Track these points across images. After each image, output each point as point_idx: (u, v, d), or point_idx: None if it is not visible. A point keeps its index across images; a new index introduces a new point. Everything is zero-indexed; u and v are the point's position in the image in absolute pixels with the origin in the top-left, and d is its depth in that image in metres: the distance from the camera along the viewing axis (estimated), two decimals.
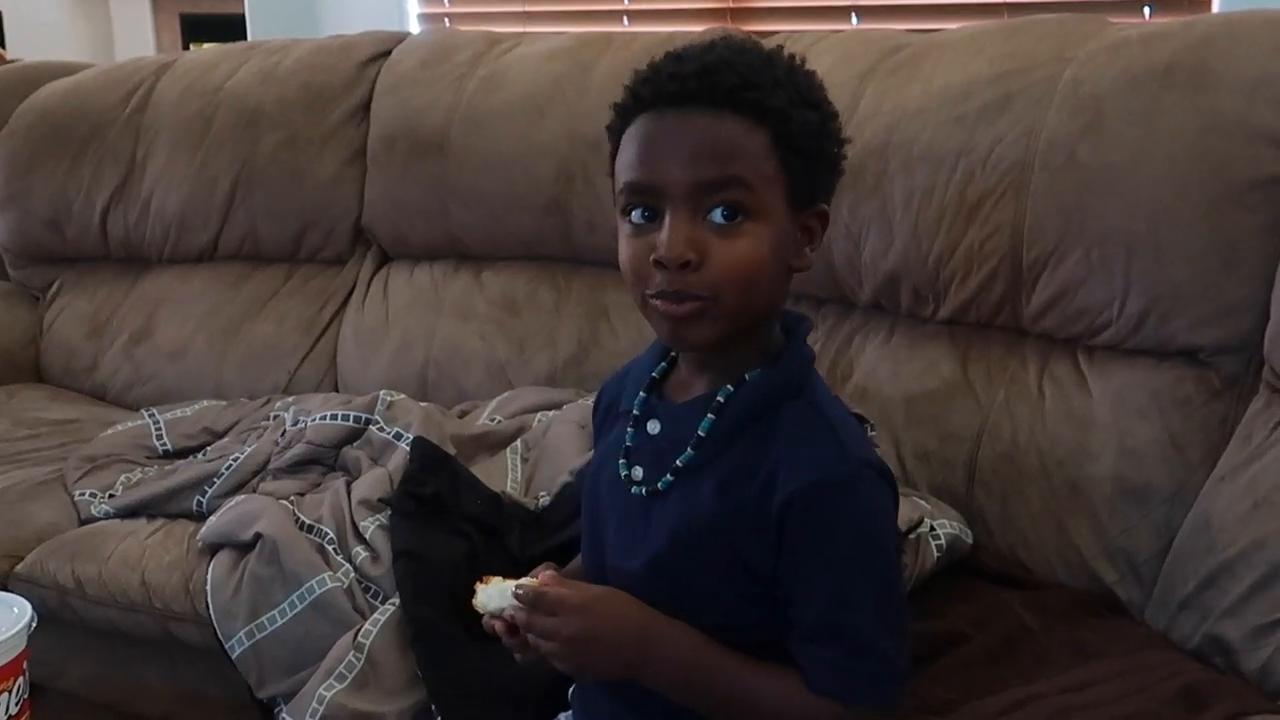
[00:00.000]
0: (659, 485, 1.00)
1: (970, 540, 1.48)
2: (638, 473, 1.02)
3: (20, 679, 0.97)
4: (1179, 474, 1.42)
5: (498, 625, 0.98)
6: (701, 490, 0.98)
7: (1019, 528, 1.51)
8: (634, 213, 0.96)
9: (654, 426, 1.02)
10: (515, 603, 0.95)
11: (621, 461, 1.03)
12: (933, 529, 1.43)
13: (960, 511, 1.52)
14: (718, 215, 0.93)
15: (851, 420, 1.01)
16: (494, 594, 0.97)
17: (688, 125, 0.93)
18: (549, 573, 1.01)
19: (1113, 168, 1.48)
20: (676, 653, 0.96)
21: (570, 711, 1.14)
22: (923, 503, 1.49)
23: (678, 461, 0.99)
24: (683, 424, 1.00)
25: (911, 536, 1.40)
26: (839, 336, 1.76)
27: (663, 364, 1.05)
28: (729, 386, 0.98)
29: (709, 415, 0.98)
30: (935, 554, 1.41)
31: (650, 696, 1.00)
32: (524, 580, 0.97)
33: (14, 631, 0.96)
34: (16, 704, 0.96)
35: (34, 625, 0.99)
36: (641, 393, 1.04)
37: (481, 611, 0.98)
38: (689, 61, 0.95)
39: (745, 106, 0.93)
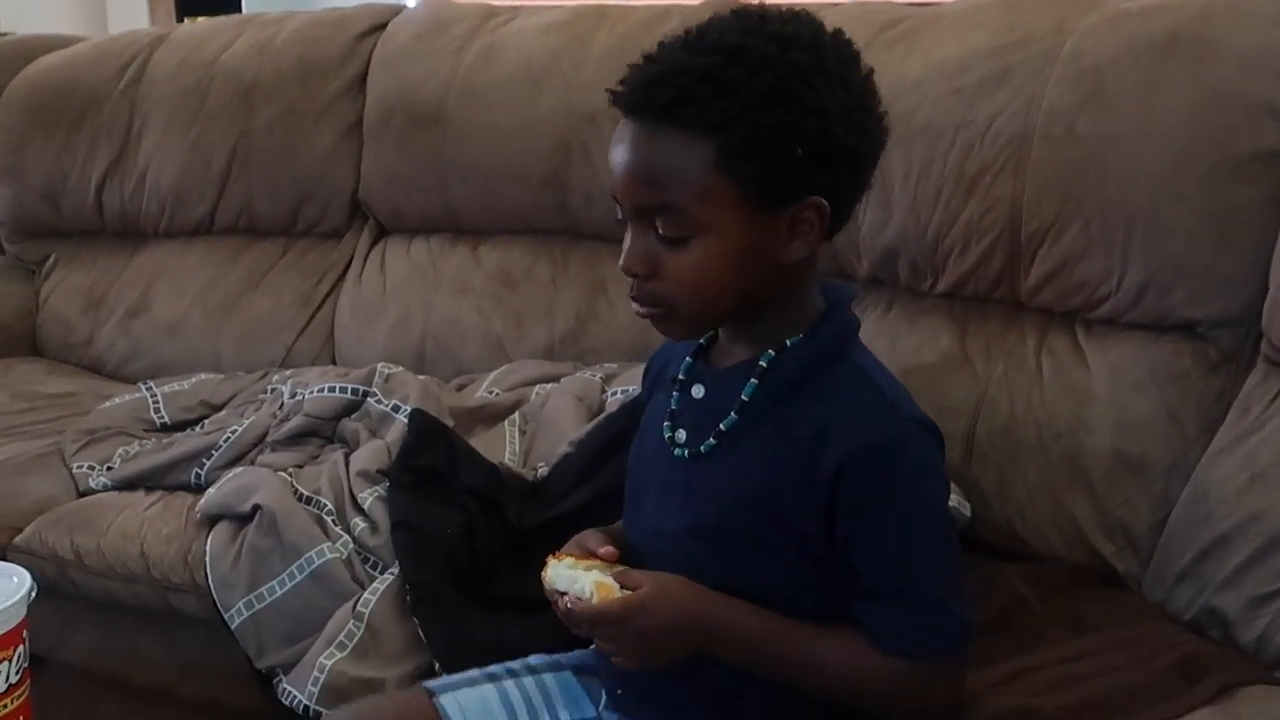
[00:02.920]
0: (701, 448, 1.01)
1: (968, 513, 1.49)
2: (681, 436, 1.03)
3: (20, 648, 0.97)
4: (1176, 447, 1.42)
5: (561, 604, 1.00)
6: (745, 454, 0.99)
7: (1016, 501, 1.51)
8: (618, 213, 0.99)
9: (698, 391, 1.03)
10: (580, 591, 0.98)
11: (666, 424, 1.05)
12: None
13: (958, 484, 1.52)
14: (662, 232, 0.95)
15: (897, 382, 1.02)
16: (561, 575, 1.00)
17: (631, 144, 0.95)
18: (607, 548, 1.02)
19: (1112, 140, 1.47)
20: (737, 631, 0.98)
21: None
22: None
23: (720, 425, 1.00)
24: (726, 388, 1.01)
25: None
26: None
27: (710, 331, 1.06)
28: (771, 352, 0.99)
29: (752, 380, 0.99)
30: None
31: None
32: (592, 579, 0.98)
33: (14, 601, 0.96)
34: (17, 672, 0.97)
35: (34, 595, 0.99)
36: (688, 358, 1.06)
37: (548, 587, 1.01)
38: (644, 69, 0.96)
39: (683, 121, 0.93)
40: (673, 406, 1.05)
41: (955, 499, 1.48)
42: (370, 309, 2.14)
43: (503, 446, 1.64)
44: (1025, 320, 1.59)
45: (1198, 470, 1.38)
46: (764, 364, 0.99)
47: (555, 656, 1.14)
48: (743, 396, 0.99)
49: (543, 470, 1.55)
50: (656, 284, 0.96)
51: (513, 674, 1.12)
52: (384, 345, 2.08)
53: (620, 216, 0.99)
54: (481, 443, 1.63)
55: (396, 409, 1.68)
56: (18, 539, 1.66)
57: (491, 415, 1.73)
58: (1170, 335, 1.47)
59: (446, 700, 1.08)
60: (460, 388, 1.86)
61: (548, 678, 1.12)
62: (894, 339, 1.67)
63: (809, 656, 0.97)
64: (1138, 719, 1.09)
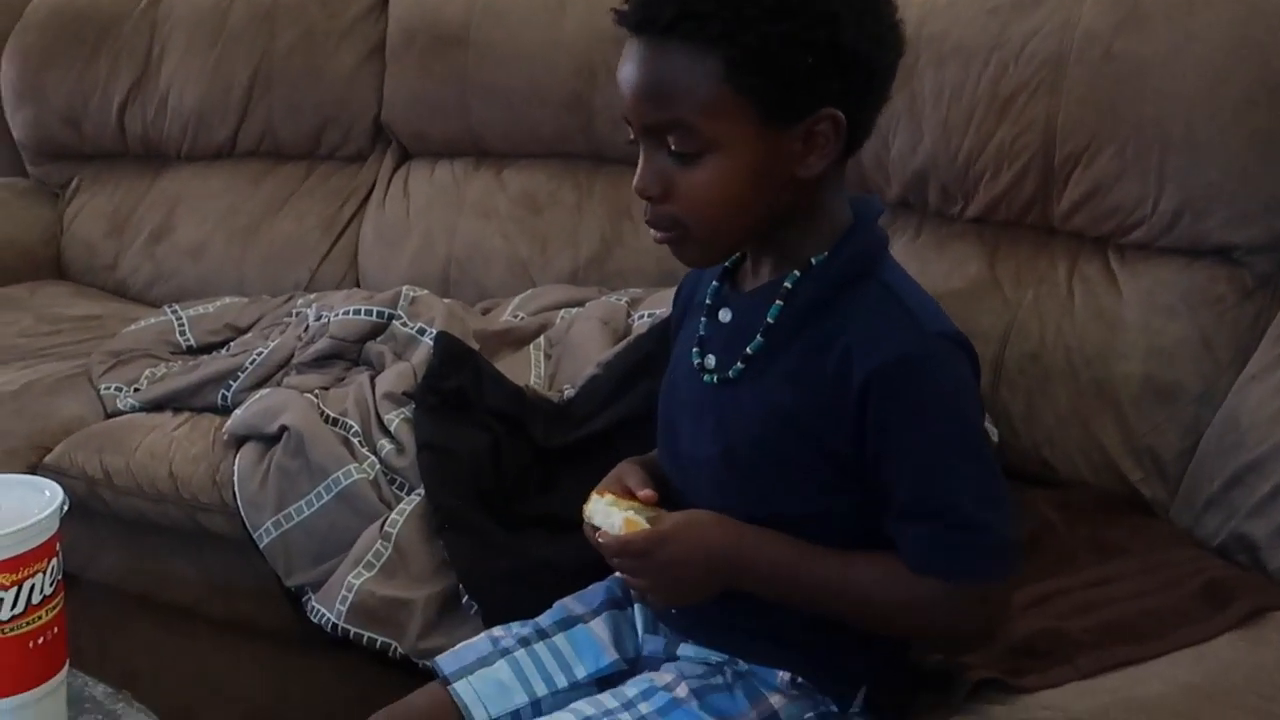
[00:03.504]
0: (730, 373, 1.00)
1: (996, 438, 1.48)
2: (710, 361, 1.02)
3: (54, 560, 0.97)
4: (1208, 373, 1.41)
5: (594, 538, 1.00)
6: (773, 377, 0.98)
7: (1044, 427, 1.51)
8: (630, 135, 0.97)
9: (725, 315, 1.02)
10: (611, 528, 0.98)
11: (695, 350, 1.03)
12: None
13: (986, 410, 1.51)
14: (674, 150, 0.93)
15: (927, 297, 0.99)
16: (599, 511, 1.00)
17: (638, 62, 0.93)
18: (646, 491, 1.01)
19: (1150, 61, 1.44)
20: (766, 563, 0.96)
21: (607, 581, 1.15)
22: None
23: (748, 349, 0.99)
24: (752, 311, 0.99)
25: None
26: None
27: (736, 254, 1.05)
28: (796, 272, 0.98)
29: (777, 302, 0.98)
30: None
31: None
32: (623, 517, 0.98)
33: (47, 513, 0.96)
34: (51, 584, 0.97)
35: (66, 509, 1.00)
36: (715, 281, 1.05)
37: (586, 521, 1.01)
38: None
39: (689, 35, 0.90)
40: (701, 332, 1.04)
41: (984, 423, 1.47)
42: (394, 233, 2.13)
43: (528, 370, 1.64)
44: (1057, 245, 1.58)
45: (1230, 397, 1.37)
46: (789, 285, 0.98)
47: (566, 608, 1.13)
48: (768, 319, 0.98)
49: (569, 392, 1.55)
50: (671, 205, 0.94)
51: (524, 641, 1.10)
52: (408, 270, 2.07)
53: (632, 138, 0.97)
54: (507, 366, 1.63)
55: (422, 332, 1.68)
56: (48, 458, 1.68)
57: (517, 339, 1.73)
58: (1205, 260, 1.45)
59: (461, 689, 1.07)
60: (485, 311, 1.86)
61: (559, 639, 1.11)
62: (923, 264, 1.65)
63: (841, 583, 0.96)
64: (1164, 643, 1.09)
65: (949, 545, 0.93)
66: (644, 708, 1.00)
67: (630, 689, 1.03)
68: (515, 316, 1.80)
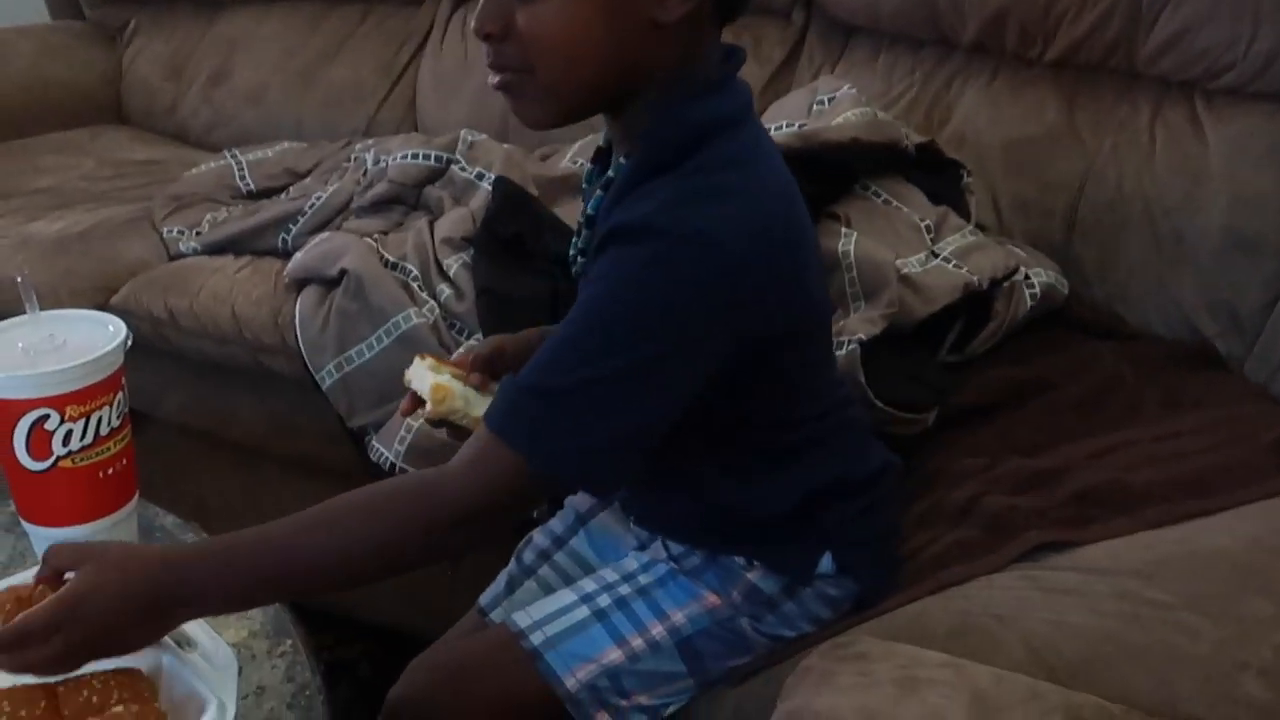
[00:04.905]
0: (579, 270, 0.95)
1: (1066, 290, 1.44)
2: (582, 261, 0.95)
3: (120, 393, 0.99)
4: None
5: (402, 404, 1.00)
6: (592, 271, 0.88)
7: (1118, 279, 1.47)
8: None
9: (589, 209, 0.94)
10: (426, 389, 0.95)
11: (574, 244, 0.98)
12: (1027, 277, 1.39)
13: (1057, 262, 1.48)
14: None
15: (760, 185, 0.85)
16: (417, 372, 0.98)
17: None
18: (459, 355, 0.98)
19: None
20: (200, 560, 0.81)
21: None
22: (1018, 251, 1.44)
23: (580, 243, 0.94)
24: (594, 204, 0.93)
25: (1005, 284, 1.37)
26: (937, 80, 1.67)
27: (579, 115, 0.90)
28: (621, 159, 0.87)
29: (598, 192, 0.90)
30: (1029, 302, 1.38)
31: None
32: (432, 380, 0.95)
33: (113, 346, 0.97)
34: (119, 417, 0.99)
35: (130, 343, 1.01)
36: (588, 164, 0.97)
37: (405, 385, 0.99)
38: None
39: None
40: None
41: (1053, 275, 1.43)
42: (452, 78, 2.10)
43: None
44: (1140, 91, 1.51)
45: None
46: (612, 173, 0.88)
47: (574, 506, 1.13)
48: (588, 210, 0.91)
49: None
50: (511, 45, 0.82)
51: (544, 555, 1.12)
52: (466, 114, 2.03)
53: None
54: (565, 212, 1.61)
55: (480, 177, 1.66)
56: (114, 299, 1.69)
57: (576, 185, 1.70)
58: None
59: (498, 617, 1.09)
60: (544, 158, 1.83)
61: (575, 541, 1.12)
62: (997, 111, 1.60)
63: (308, 529, 0.82)
64: (1231, 497, 1.07)
65: (508, 397, 0.82)
66: (644, 579, 1.01)
67: (632, 561, 1.04)
68: (574, 163, 1.76)
